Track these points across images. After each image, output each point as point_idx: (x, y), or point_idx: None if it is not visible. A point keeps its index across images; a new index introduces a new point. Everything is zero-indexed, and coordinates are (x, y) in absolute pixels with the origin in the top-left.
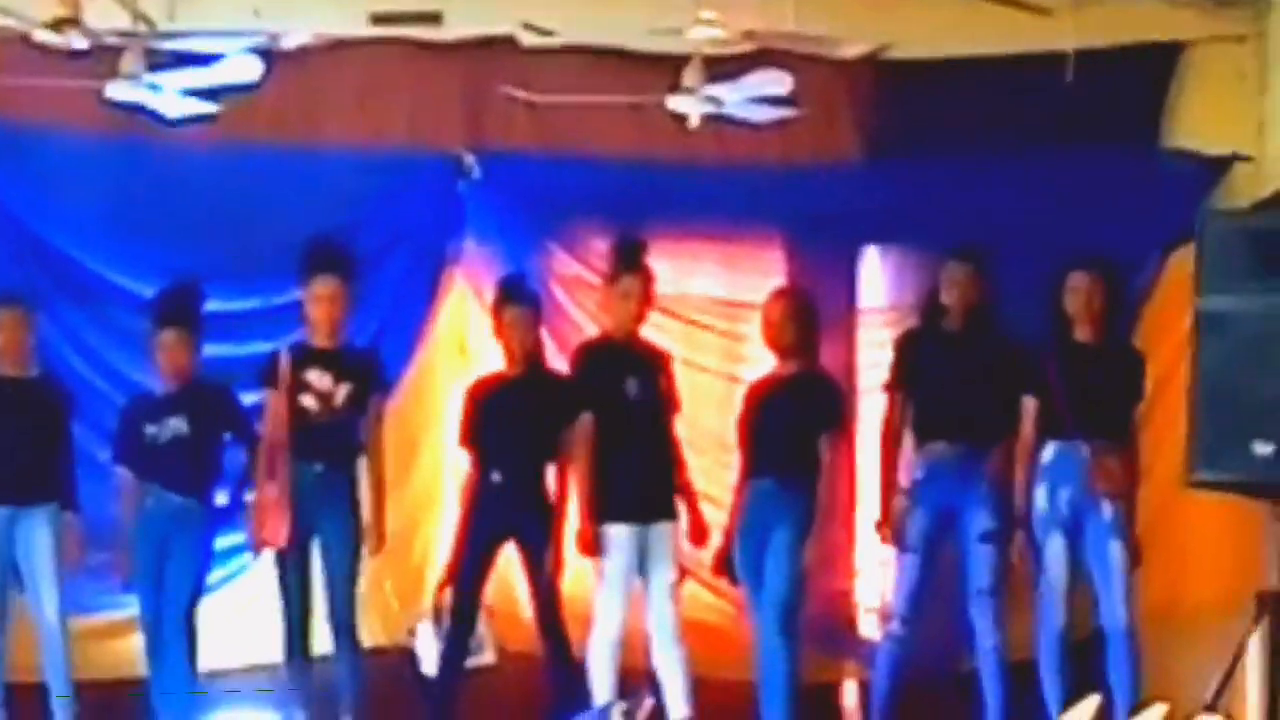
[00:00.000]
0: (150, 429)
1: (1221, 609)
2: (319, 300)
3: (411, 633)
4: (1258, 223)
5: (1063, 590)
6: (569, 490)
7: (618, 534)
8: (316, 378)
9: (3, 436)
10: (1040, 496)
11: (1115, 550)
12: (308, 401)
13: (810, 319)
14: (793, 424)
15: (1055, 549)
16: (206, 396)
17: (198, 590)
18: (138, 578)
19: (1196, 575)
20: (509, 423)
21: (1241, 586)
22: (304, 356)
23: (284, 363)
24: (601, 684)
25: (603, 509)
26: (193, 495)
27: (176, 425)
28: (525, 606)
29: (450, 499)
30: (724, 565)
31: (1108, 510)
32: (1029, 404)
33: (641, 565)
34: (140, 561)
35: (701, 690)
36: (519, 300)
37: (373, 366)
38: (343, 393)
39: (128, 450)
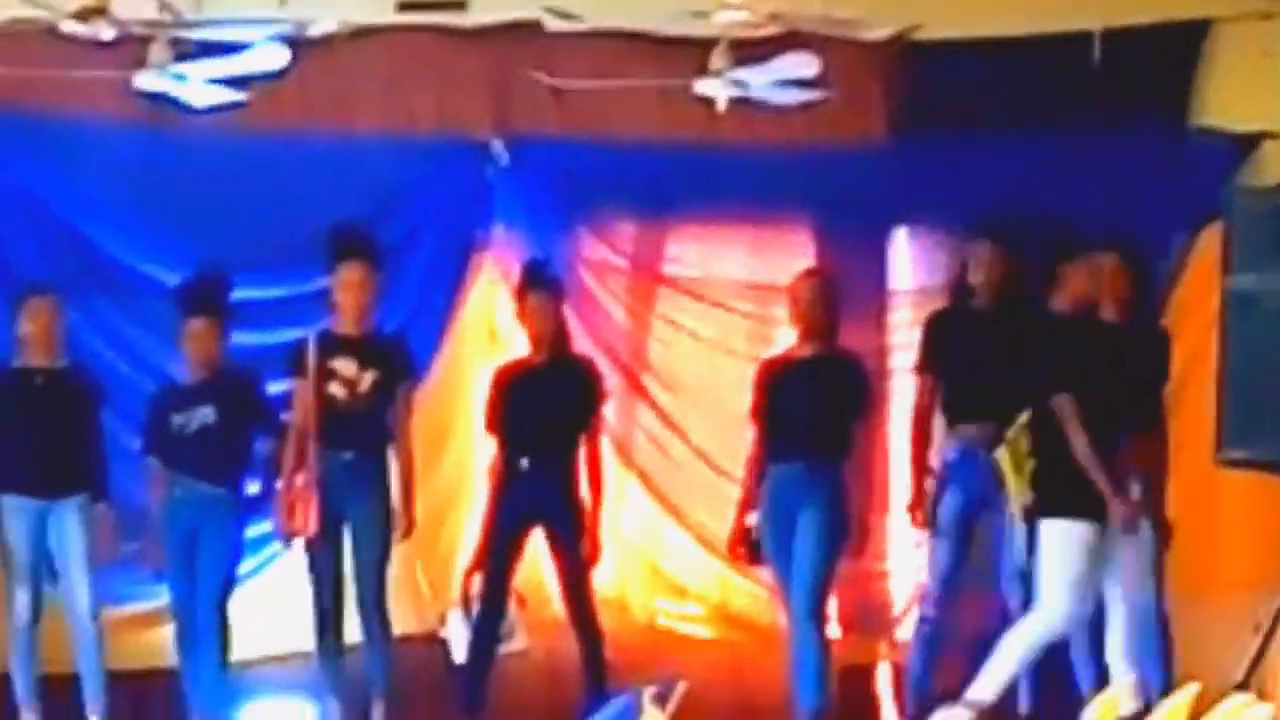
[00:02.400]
0: (178, 419)
1: (1252, 587)
2: (346, 287)
3: (442, 620)
4: None
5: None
6: (602, 476)
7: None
8: (343, 365)
9: (34, 427)
10: None
11: (1144, 531)
12: (335, 389)
13: (836, 301)
14: (821, 407)
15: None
16: (233, 386)
17: (229, 580)
18: (168, 568)
19: (1227, 554)
20: (535, 408)
21: (1272, 564)
22: (331, 344)
23: (311, 351)
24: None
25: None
26: (222, 484)
27: (204, 415)
28: (555, 592)
29: (481, 485)
30: (739, 547)
31: (1136, 491)
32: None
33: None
34: (170, 552)
35: (738, 673)
36: (542, 285)
37: (400, 353)
38: (369, 380)
39: (156, 440)
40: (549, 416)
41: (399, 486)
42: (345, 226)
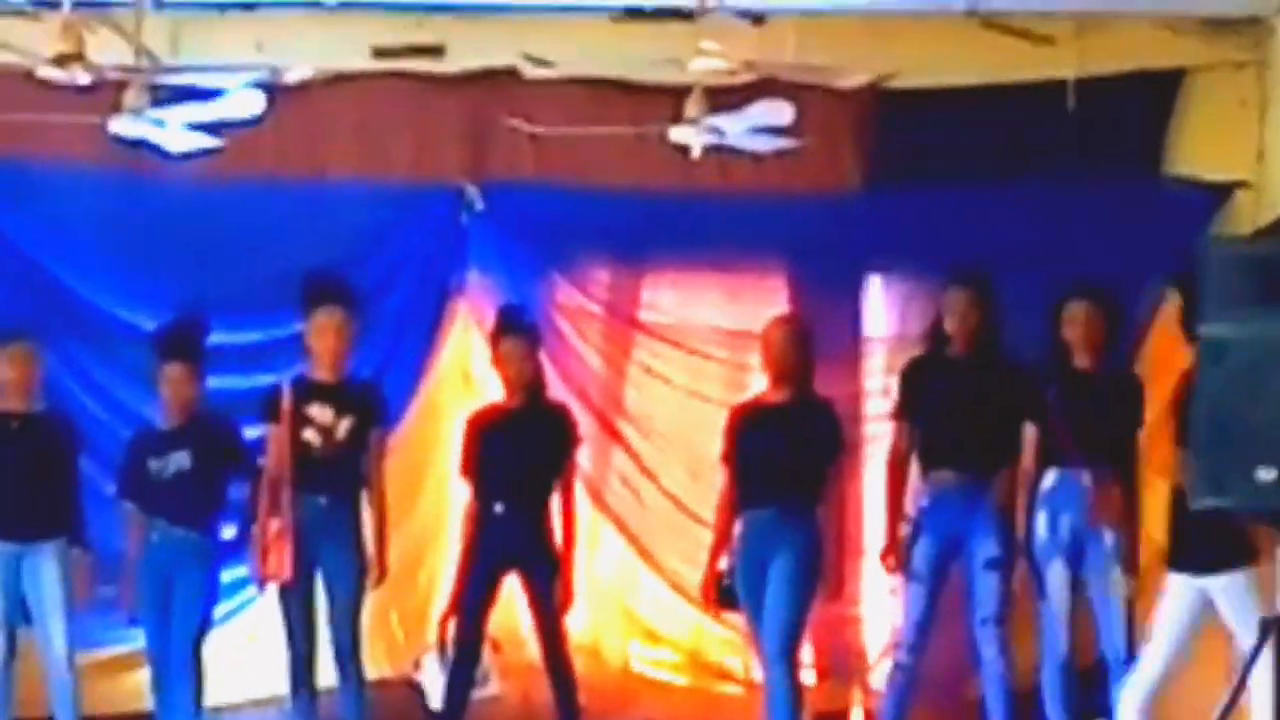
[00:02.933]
0: (154, 463)
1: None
2: (321, 333)
3: (417, 665)
4: (1259, 250)
5: (1065, 618)
6: (575, 521)
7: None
8: (318, 411)
9: (10, 472)
10: (1041, 524)
11: (1115, 579)
12: (310, 435)
13: (809, 347)
14: (793, 452)
15: (1056, 577)
16: (210, 430)
17: (204, 624)
18: (144, 612)
19: None
20: (509, 453)
21: None
22: (306, 390)
23: (285, 397)
24: None
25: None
26: (197, 529)
27: (180, 460)
28: (530, 637)
29: (456, 530)
30: (712, 593)
31: (1109, 539)
32: (1029, 431)
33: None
34: (146, 596)
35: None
36: (516, 331)
37: (375, 399)
38: (344, 426)
39: (132, 484)
40: (523, 461)
41: (373, 533)
42: (321, 272)
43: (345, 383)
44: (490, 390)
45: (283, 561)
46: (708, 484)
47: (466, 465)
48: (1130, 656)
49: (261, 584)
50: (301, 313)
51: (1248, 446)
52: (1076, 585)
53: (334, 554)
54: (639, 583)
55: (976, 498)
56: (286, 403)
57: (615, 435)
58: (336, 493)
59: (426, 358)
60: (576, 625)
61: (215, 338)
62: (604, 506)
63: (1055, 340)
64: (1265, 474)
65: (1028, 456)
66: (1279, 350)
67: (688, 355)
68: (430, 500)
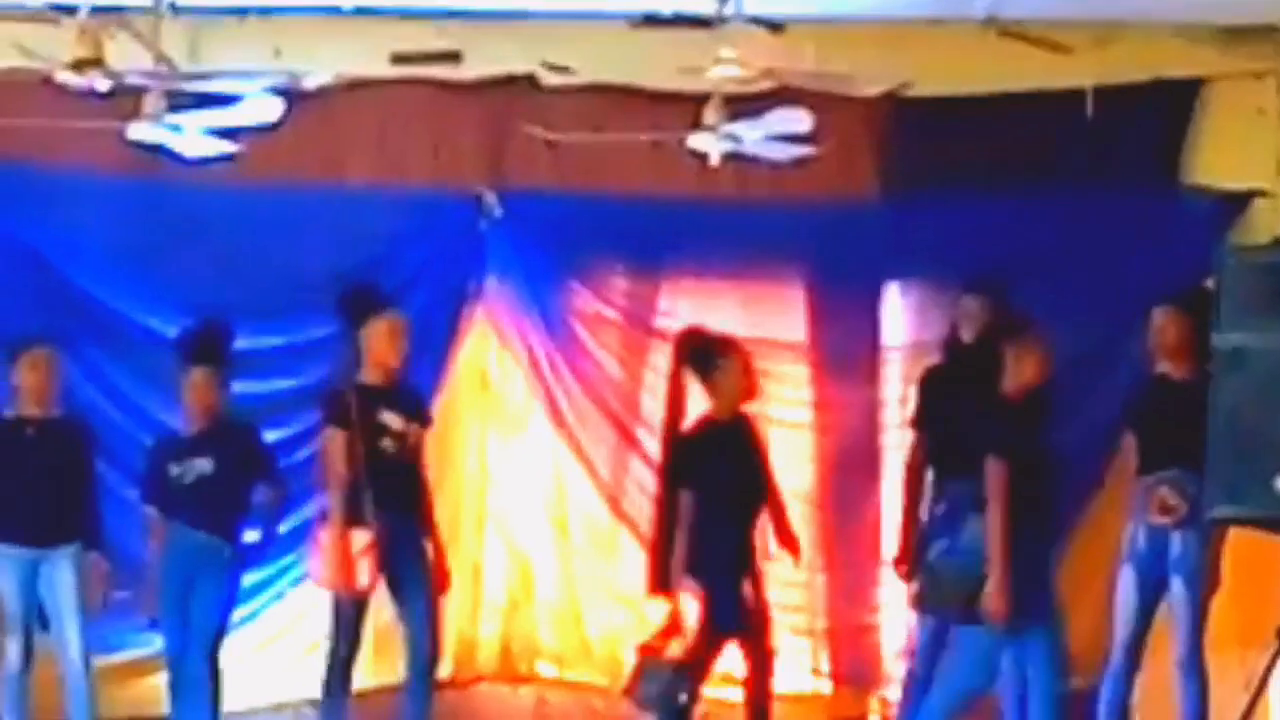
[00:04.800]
0: (175, 468)
1: (1242, 644)
2: (389, 335)
3: None
4: (1276, 259)
5: (1128, 623)
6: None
7: None
8: (390, 418)
9: (28, 476)
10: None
11: (1177, 585)
12: (386, 443)
13: None
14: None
15: (1125, 583)
16: (232, 436)
17: (222, 628)
18: (163, 616)
19: (1217, 609)
20: (726, 464)
21: (1262, 620)
22: (370, 396)
23: (352, 403)
24: None
25: None
26: (218, 534)
27: (202, 465)
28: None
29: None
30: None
31: (1176, 545)
32: (1128, 440)
33: None
34: (166, 600)
35: None
36: (732, 352)
37: (424, 404)
38: (415, 431)
39: (154, 490)
40: (742, 473)
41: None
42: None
43: (400, 388)
44: (508, 393)
45: (373, 573)
46: None
47: (688, 476)
48: (1192, 663)
49: (351, 598)
50: (354, 319)
51: (1264, 456)
52: (1148, 592)
53: (408, 562)
54: None
55: None
56: (354, 409)
57: (633, 442)
58: (408, 499)
59: (445, 363)
60: (593, 631)
61: (236, 343)
62: (621, 514)
63: (1144, 348)
64: None
65: (1129, 465)
66: None
67: None
68: (448, 505)
